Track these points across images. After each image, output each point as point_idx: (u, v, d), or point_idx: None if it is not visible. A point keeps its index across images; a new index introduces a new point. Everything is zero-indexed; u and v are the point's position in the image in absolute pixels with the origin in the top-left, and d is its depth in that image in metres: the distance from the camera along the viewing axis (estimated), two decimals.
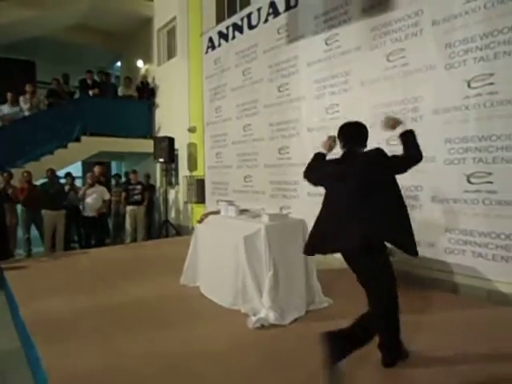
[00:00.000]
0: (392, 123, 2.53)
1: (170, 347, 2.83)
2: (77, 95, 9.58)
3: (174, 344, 2.88)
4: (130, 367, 2.52)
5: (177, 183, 9.47)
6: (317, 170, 2.73)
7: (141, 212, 7.85)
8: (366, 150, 2.57)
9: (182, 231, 8.53)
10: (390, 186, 2.40)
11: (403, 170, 2.42)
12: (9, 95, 8.07)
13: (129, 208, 7.77)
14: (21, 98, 8.16)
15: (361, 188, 2.36)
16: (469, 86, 3.90)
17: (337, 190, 2.48)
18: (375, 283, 2.36)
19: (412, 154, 2.40)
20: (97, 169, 7.35)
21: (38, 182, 7.33)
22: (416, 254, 2.37)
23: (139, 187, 7.94)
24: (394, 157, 2.43)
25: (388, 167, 2.40)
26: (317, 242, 2.53)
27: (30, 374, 2.80)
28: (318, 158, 2.79)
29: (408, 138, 2.45)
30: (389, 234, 2.34)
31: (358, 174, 2.38)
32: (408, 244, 2.36)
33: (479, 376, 2.37)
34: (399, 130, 2.49)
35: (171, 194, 9.53)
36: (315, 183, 2.77)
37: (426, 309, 3.54)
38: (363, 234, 2.27)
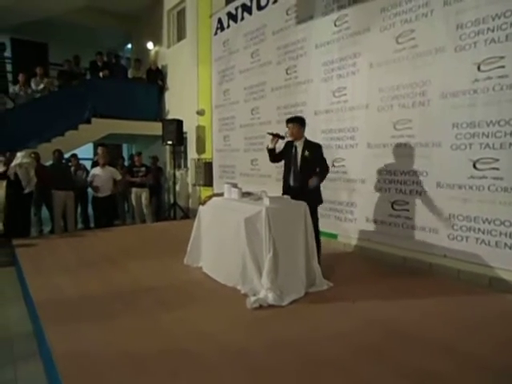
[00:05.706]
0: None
1: (170, 327, 2.88)
2: (87, 77, 9.63)
3: (173, 324, 2.92)
4: (131, 347, 2.56)
5: (186, 166, 9.52)
6: None
7: (144, 194, 7.94)
8: None
9: (191, 214, 8.62)
10: None
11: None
12: (20, 76, 8.15)
13: (133, 190, 7.87)
14: (32, 80, 8.25)
15: None
16: (478, 69, 3.79)
17: None
18: None
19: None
20: (100, 150, 7.30)
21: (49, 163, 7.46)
22: None
23: (143, 169, 8.00)
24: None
25: None
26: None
27: (37, 347, 2.94)
28: None
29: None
30: None
31: None
32: None
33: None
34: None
35: (181, 176, 9.60)
36: None
37: (427, 294, 3.54)
38: None
